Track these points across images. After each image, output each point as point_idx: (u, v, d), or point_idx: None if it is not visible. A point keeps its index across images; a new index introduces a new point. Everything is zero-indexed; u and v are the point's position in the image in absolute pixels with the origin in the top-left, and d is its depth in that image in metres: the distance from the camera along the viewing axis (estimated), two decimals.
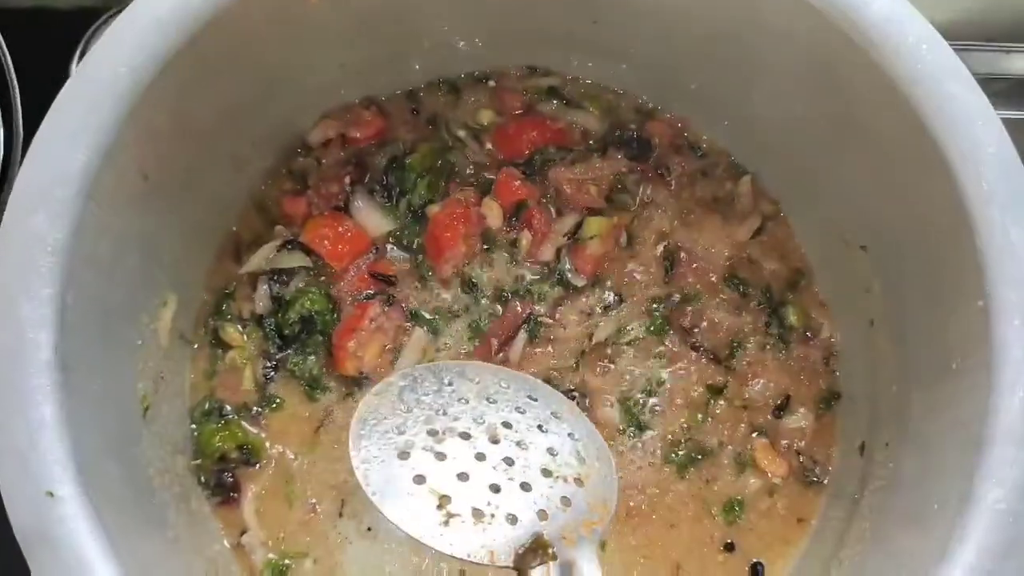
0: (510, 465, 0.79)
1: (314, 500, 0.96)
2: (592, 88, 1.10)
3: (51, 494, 0.65)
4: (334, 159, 1.05)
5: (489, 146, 1.08)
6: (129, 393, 0.84)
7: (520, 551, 0.74)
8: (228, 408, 0.98)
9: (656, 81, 1.06)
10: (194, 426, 0.97)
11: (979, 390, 0.71)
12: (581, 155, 1.07)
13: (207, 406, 0.98)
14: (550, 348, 1.01)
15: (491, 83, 1.09)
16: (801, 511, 0.98)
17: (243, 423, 0.98)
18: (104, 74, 0.72)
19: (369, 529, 0.95)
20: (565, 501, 0.78)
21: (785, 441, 1.00)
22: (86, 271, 0.72)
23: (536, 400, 0.83)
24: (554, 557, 0.74)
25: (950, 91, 0.74)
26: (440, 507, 0.76)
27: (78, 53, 1.13)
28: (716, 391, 1.00)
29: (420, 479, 0.77)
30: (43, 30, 1.18)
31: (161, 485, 0.87)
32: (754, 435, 0.99)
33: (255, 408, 0.98)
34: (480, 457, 0.79)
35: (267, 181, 1.04)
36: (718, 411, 1.00)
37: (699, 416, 1.00)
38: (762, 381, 1.01)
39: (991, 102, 0.75)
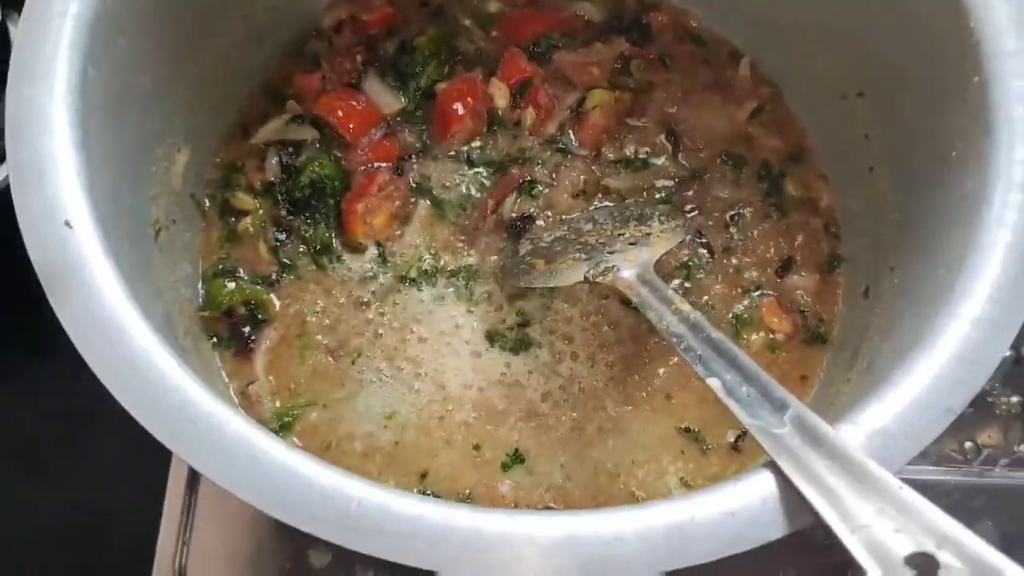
0: (594, 237, 0.96)
1: (326, 354, 0.96)
2: None
3: (68, 224, 0.65)
4: (346, 41, 1.08)
5: (494, 33, 1.11)
6: (142, 209, 0.85)
7: (589, 270, 0.90)
8: (241, 271, 0.99)
9: None
10: (202, 283, 0.97)
11: (979, 160, 0.72)
12: (584, 41, 1.10)
13: (220, 268, 0.98)
14: (543, 201, 1.03)
15: None
16: (805, 368, 0.97)
17: (256, 286, 0.98)
18: None
19: (379, 379, 0.95)
20: (632, 243, 0.92)
21: (789, 300, 1.00)
22: (105, 56, 0.74)
23: (627, 210, 0.99)
24: (616, 271, 0.88)
25: None
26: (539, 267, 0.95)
27: None
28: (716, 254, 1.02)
29: (529, 259, 0.97)
30: None
31: (172, 315, 0.87)
32: (757, 293, 1.00)
33: (273, 274, 0.99)
34: (572, 239, 0.97)
35: (278, 60, 1.07)
36: (717, 274, 1.01)
37: (698, 275, 1.00)
38: (763, 246, 1.01)
39: None
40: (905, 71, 0.87)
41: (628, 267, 0.88)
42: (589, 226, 0.97)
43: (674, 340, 0.76)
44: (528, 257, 0.96)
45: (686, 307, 0.78)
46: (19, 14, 0.91)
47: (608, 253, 0.91)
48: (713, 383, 0.69)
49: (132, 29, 0.79)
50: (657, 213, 0.97)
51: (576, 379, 0.95)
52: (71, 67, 0.71)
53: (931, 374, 0.65)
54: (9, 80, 0.69)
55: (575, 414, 0.94)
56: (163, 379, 0.63)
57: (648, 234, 0.94)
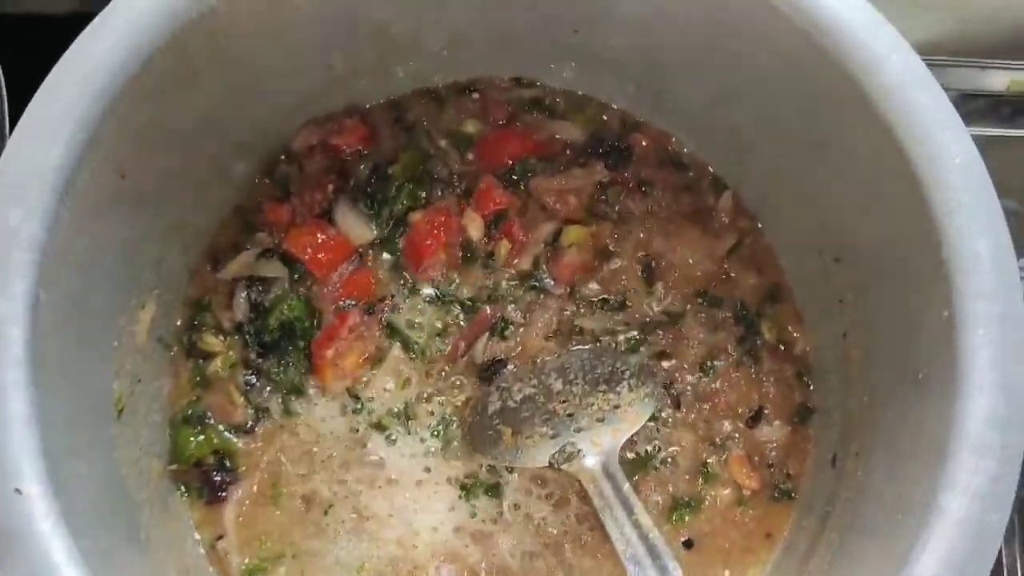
0: (563, 402, 0.97)
1: (298, 504, 0.97)
2: (576, 99, 1.11)
3: (19, 491, 0.65)
4: (317, 166, 1.06)
5: (471, 156, 1.08)
6: (104, 393, 0.84)
7: (554, 454, 0.92)
8: (211, 417, 0.98)
9: (639, 94, 1.07)
10: (171, 431, 0.97)
11: (944, 399, 0.71)
12: (562, 166, 1.07)
13: (189, 412, 0.98)
14: (515, 343, 1.02)
15: (475, 94, 1.10)
16: (770, 526, 0.98)
17: (225, 432, 0.98)
18: (83, 70, 0.73)
19: (350, 529, 0.96)
20: (600, 419, 0.94)
21: (758, 454, 1.00)
22: (61, 268, 0.73)
23: (596, 364, 0.99)
24: (581, 456, 0.90)
25: (918, 100, 0.75)
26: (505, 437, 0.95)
27: None
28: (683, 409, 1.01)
29: (497, 423, 0.97)
30: (35, 37, 1.18)
31: (135, 486, 0.87)
32: (726, 445, 0.99)
33: (248, 422, 0.98)
34: (540, 402, 0.98)
35: (249, 187, 1.04)
36: (685, 424, 1.00)
37: (666, 427, 1.00)
38: (735, 394, 1.01)
39: (968, 119, 0.77)
40: (879, 266, 0.85)
41: (593, 453, 0.88)
42: (559, 384, 0.97)
43: (627, 559, 0.76)
44: (496, 421, 0.96)
45: (646, 520, 0.79)
46: None
47: (575, 431, 0.91)
48: None
49: (92, 229, 0.77)
50: (628, 373, 0.97)
51: (546, 530, 0.96)
52: (22, 298, 0.69)
53: None
54: None
55: (545, 566, 0.95)
56: None
57: (617, 406, 0.93)
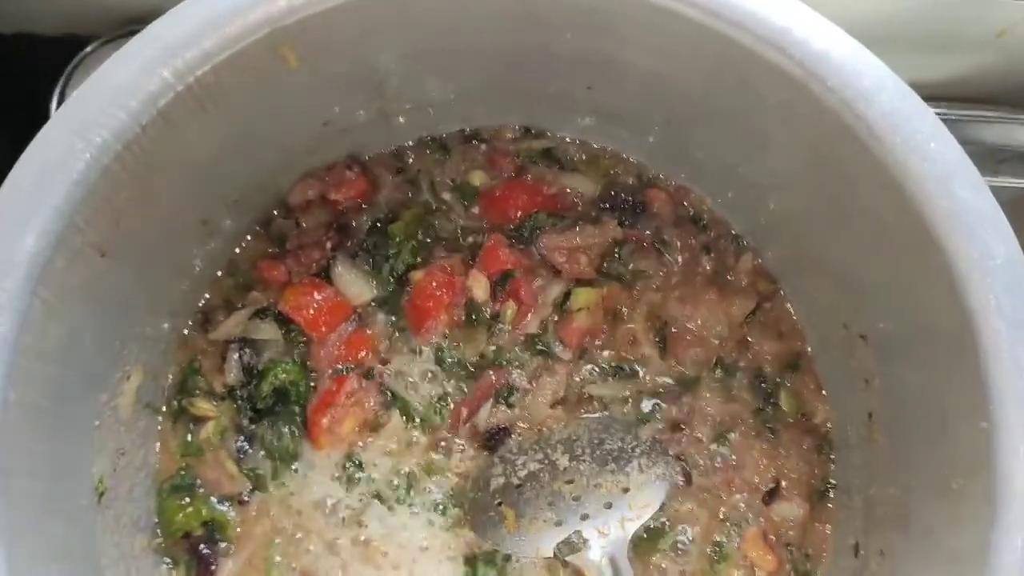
0: (568, 482, 0.91)
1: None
2: (589, 151, 1.05)
3: None
4: (315, 221, 1.00)
5: (476, 211, 1.03)
6: (81, 481, 0.80)
7: (559, 544, 0.88)
8: (200, 484, 0.94)
9: (656, 148, 1.01)
10: (157, 502, 0.92)
11: (980, 521, 0.66)
12: (573, 222, 1.02)
13: (177, 482, 0.93)
14: (520, 410, 0.98)
15: (482, 145, 1.04)
16: None
17: (216, 502, 0.93)
18: (58, 154, 0.68)
19: None
20: (608, 505, 0.89)
21: (775, 533, 0.95)
22: (33, 364, 0.68)
23: (604, 437, 0.94)
24: (588, 547, 0.86)
25: (959, 194, 0.70)
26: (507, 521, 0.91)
27: (61, 82, 1.08)
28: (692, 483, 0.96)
29: (499, 503, 0.91)
30: (25, 58, 1.13)
31: (113, 573, 0.83)
32: (741, 522, 0.95)
33: (242, 493, 0.94)
34: (545, 481, 0.93)
35: (241, 244, 0.99)
36: (697, 499, 0.95)
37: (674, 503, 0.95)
38: (750, 468, 0.96)
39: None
40: (909, 355, 0.80)
41: (600, 543, 0.83)
42: (565, 460, 0.92)
43: None
44: (498, 500, 0.91)
45: None
46: None
47: (581, 518, 0.86)
48: None
49: (69, 314, 0.72)
50: (638, 450, 0.92)
51: None
52: None
53: None
54: None
55: None
56: None
57: (626, 488, 0.88)
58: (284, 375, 0.95)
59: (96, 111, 0.69)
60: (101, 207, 0.72)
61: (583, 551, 0.84)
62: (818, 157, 0.81)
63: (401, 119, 1.01)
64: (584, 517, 0.87)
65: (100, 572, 0.80)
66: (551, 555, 0.86)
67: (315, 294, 0.97)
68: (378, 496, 0.94)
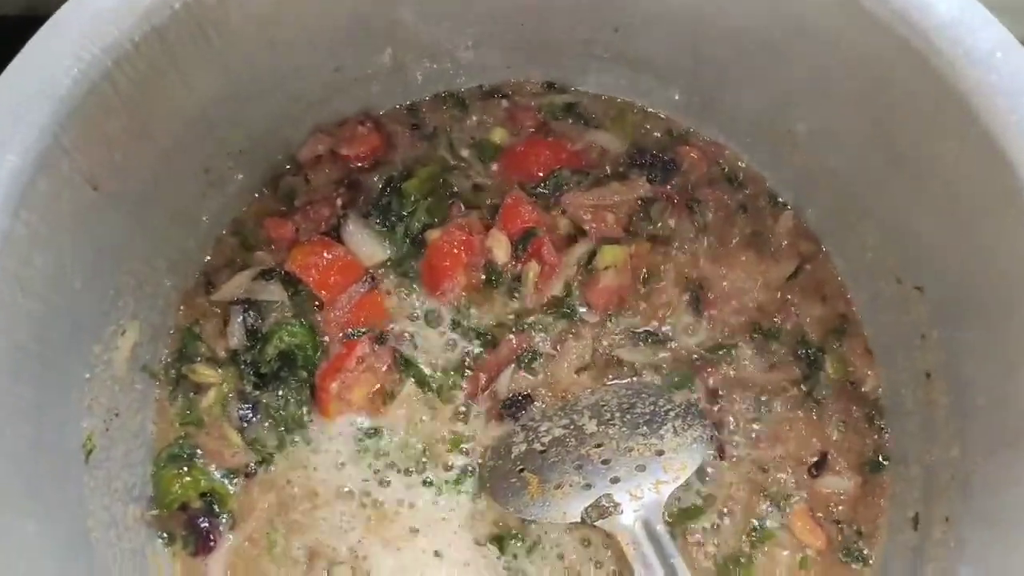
0: (597, 446, 0.83)
1: (298, 556, 0.86)
2: (615, 106, 0.99)
3: None
4: (325, 178, 0.95)
5: (496, 168, 0.97)
6: (68, 434, 0.73)
7: (587, 508, 0.79)
8: (199, 454, 0.87)
9: (686, 99, 0.96)
10: (153, 471, 0.86)
11: None
12: (598, 179, 0.96)
13: (176, 450, 0.87)
14: (543, 376, 0.91)
15: (503, 100, 0.99)
16: None
17: (216, 474, 0.87)
18: (43, 68, 0.63)
19: None
20: (640, 468, 0.81)
21: (823, 508, 0.87)
22: (16, 294, 0.63)
23: (635, 402, 0.86)
24: (619, 511, 0.78)
25: None
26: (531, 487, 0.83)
27: None
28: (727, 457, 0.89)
29: (521, 469, 0.84)
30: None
31: (103, 540, 0.76)
32: (785, 498, 0.87)
33: (249, 465, 0.87)
34: (571, 446, 0.84)
35: (247, 200, 0.94)
36: (736, 475, 0.88)
37: (715, 474, 0.87)
38: (794, 440, 0.88)
39: None
40: (972, 301, 0.72)
41: (633, 507, 0.76)
42: (593, 424, 0.85)
43: None
44: (520, 466, 0.84)
45: None
46: None
47: (611, 482, 0.79)
48: None
49: (55, 245, 0.67)
50: (672, 413, 0.84)
51: None
52: None
53: None
54: None
55: None
56: None
57: (660, 452, 0.81)
58: (290, 338, 0.89)
59: (87, 26, 0.64)
60: (91, 132, 0.66)
61: (614, 516, 0.77)
62: (871, 89, 0.75)
63: (418, 75, 0.96)
64: (615, 480, 0.79)
65: (86, 534, 0.74)
66: (578, 519, 0.78)
67: (324, 253, 0.91)
68: (392, 467, 0.88)
